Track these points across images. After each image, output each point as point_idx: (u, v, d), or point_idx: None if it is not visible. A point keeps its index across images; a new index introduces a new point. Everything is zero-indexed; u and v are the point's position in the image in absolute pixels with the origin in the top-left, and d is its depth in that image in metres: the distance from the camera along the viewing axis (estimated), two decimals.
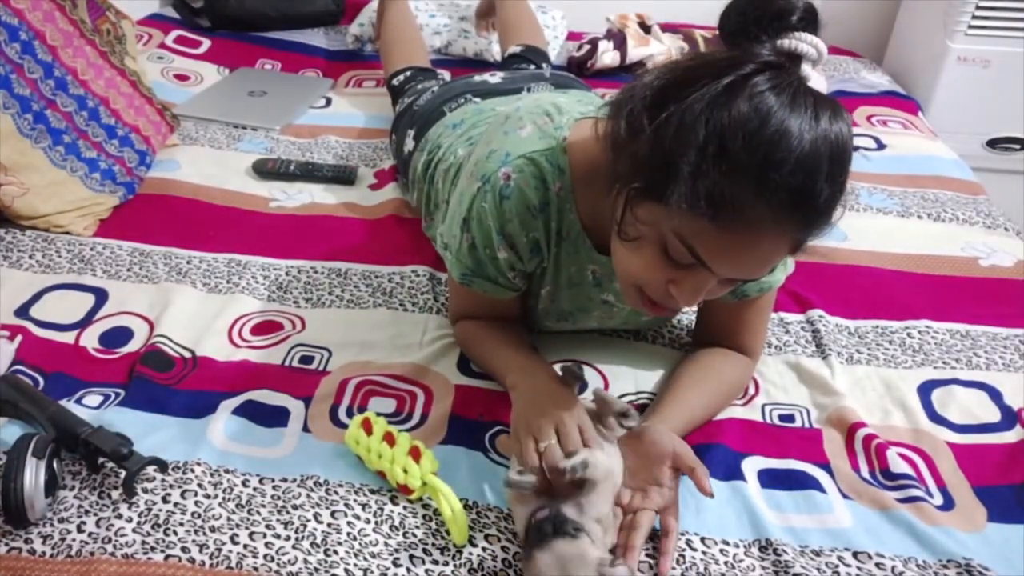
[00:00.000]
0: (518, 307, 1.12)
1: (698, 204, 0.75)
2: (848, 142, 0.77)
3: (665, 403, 1.02)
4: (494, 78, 1.51)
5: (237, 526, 0.88)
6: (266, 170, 1.60)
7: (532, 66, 1.80)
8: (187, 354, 1.14)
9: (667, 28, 2.24)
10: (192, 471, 0.94)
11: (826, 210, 0.78)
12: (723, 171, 0.74)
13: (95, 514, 0.89)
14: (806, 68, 0.78)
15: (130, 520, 0.88)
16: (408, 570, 0.85)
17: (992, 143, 2.21)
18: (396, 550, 0.87)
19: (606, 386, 1.11)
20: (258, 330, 1.20)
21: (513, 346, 1.08)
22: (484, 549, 0.88)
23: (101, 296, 1.25)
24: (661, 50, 2.15)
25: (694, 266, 0.81)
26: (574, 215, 0.99)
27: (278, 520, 0.89)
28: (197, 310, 1.22)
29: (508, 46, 1.92)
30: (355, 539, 0.88)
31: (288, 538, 0.88)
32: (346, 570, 0.84)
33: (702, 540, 0.90)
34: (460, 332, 1.15)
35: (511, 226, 0.98)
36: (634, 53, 2.14)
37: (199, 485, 0.92)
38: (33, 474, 0.85)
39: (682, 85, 0.77)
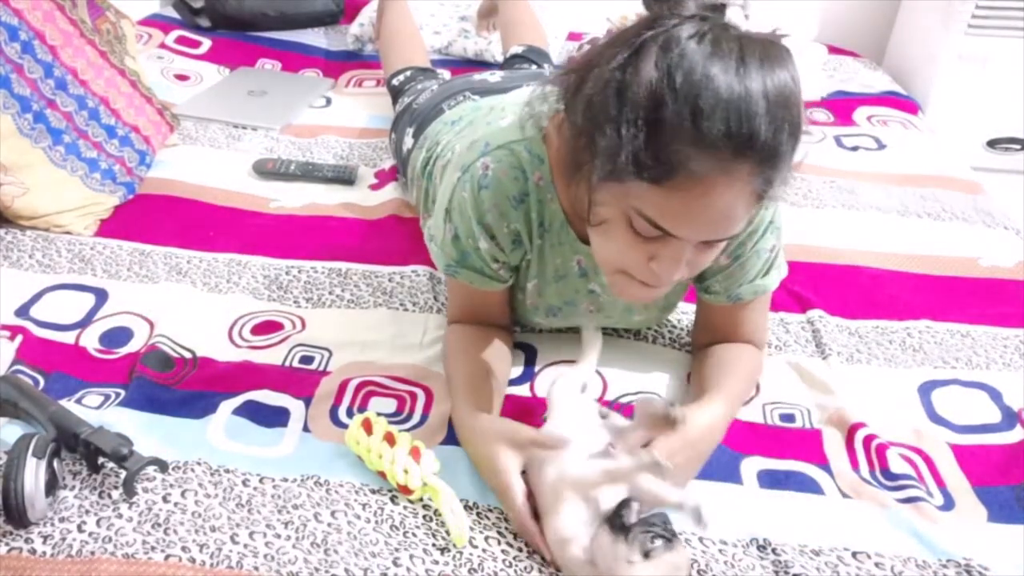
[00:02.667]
0: (507, 310, 1.11)
1: (629, 170, 0.76)
2: (788, 78, 0.75)
3: (705, 399, 0.99)
4: (493, 77, 1.51)
5: (237, 526, 0.88)
6: (266, 170, 1.60)
7: (534, 66, 1.80)
8: (187, 354, 1.14)
9: None
10: (192, 471, 0.94)
11: (774, 150, 0.75)
12: (650, 132, 0.74)
13: (95, 514, 0.89)
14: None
15: (130, 520, 0.88)
16: (408, 570, 0.85)
17: (992, 143, 2.21)
18: (396, 550, 0.87)
19: (605, 387, 1.11)
20: (258, 330, 1.20)
21: (477, 383, 1.03)
22: (484, 549, 0.88)
23: (101, 296, 1.25)
24: None
25: (664, 237, 0.80)
26: (556, 205, 0.98)
27: (278, 520, 0.89)
28: (197, 310, 1.22)
29: (510, 46, 1.92)
30: (355, 539, 0.88)
31: (288, 538, 0.88)
32: (346, 570, 0.84)
33: (700, 540, 0.90)
34: (447, 336, 1.13)
35: (490, 216, 0.98)
36: None
37: (199, 485, 0.93)
38: (33, 474, 0.85)
39: (598, 60, 0.78)
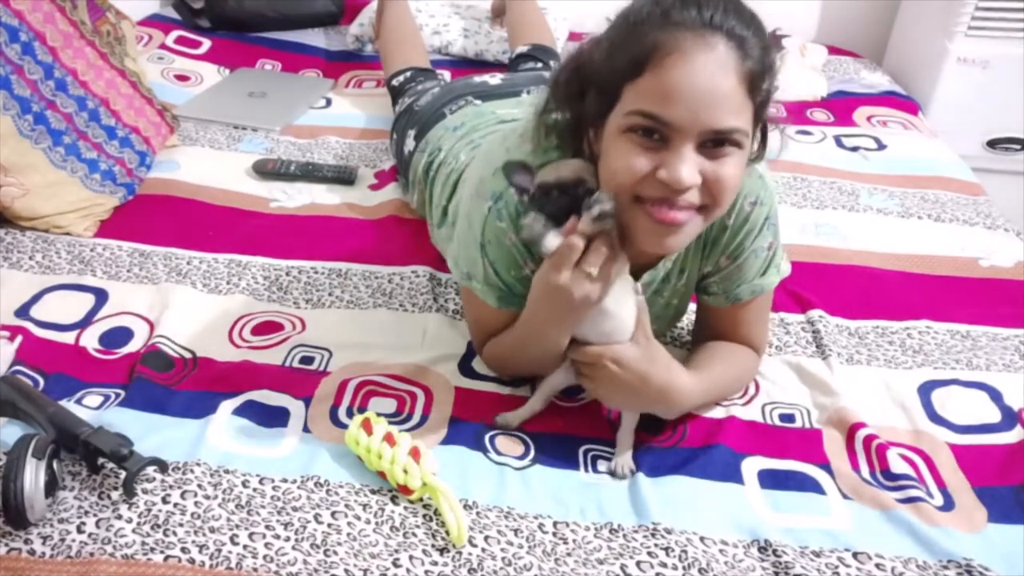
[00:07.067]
0: None
1: (615, 76, 0.84)
2: None
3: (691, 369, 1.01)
4: (494, 79, 1.52)
5: (237, 527, 0.88)
6: (266, 170, 1.60)
7: (539, 64, 1.80)
8: (187, 355, 1.14)
9: None
10: (192, 472, 0.94)
11: (745, 24, 0.81)
12: (627, 35, 0.83)
13: (95, 515, 0.89)
14: None
15: (130, 521, 0.88)
16: (408, 570, 0.85)
17: (992, 143, 2.21)
18: (396, 550, 0.87)
19: None
20: (258, 330, 1.20)
21: None
22: (484, 549, 0.88)
23: (101, 297, 1.25)
24: None
25: (664, 141, 0.82)
26: None
27: (278, 521, 0.89)
28: (197, 311, 1.22)
29: (516, 46, 1.92)
30: (355, 539, 0.88)
31: (288, 539, 0.88)
32: (346, 570, 0.84)
33: (701, 539, 0.90)
34: (490, 352, 1.10)
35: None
36: None
37: (199, 486, 0.92)
38: (33, 475, 0.85)
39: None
